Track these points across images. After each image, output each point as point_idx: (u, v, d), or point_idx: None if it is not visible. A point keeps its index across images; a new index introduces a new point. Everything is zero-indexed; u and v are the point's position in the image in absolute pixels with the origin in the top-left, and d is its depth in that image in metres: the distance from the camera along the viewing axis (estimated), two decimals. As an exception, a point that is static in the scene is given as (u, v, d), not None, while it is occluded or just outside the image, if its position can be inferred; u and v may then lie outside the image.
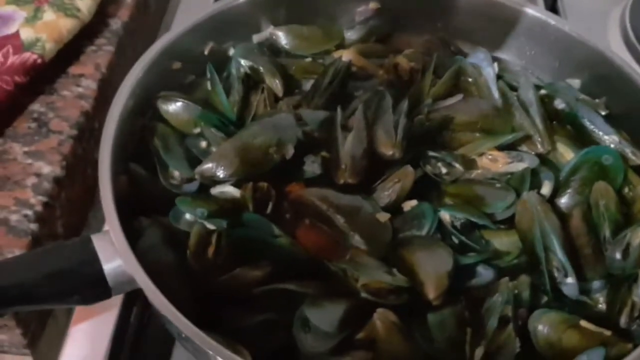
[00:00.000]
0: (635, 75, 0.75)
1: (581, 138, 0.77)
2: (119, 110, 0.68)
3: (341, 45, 0.87)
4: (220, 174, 0.67)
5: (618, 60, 0.77)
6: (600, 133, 0.76)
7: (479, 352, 0.57)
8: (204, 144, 0.72)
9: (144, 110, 0.73)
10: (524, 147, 0.76)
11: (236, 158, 0.67)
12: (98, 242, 0.59)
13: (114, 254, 0.58)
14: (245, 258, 0.62)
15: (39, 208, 0.71)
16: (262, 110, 0.77)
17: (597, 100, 0.79)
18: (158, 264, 0.60)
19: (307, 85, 0.81)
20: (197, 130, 0.73)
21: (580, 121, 0.77)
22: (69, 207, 0.78)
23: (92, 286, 0.59)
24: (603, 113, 0.78)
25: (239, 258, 0.62)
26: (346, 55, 0.83)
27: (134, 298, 0.73)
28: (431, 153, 0.72)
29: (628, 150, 0.74)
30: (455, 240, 0.66)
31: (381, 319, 0.58)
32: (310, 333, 0.58)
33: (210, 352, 0.53)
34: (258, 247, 0.63)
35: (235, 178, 0.67)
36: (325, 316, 0.58)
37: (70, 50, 0.86)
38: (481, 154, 0.74)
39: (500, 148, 0.74)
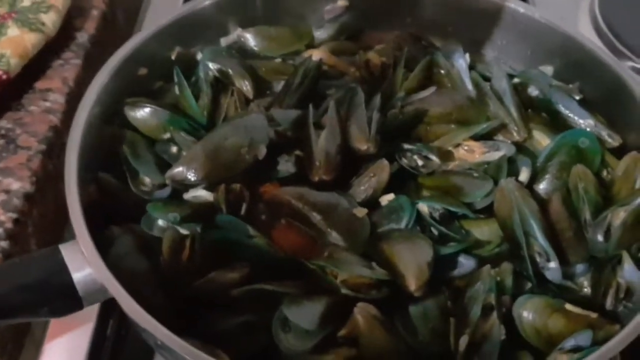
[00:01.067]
0: (607, 58, 0.75)
1: (557, 124, 0.77)
2: (84, 119, 0.67)
3: (311, 45, 0.86)
4: (192, 177, 0.65)
5: (589, 44, 0.77)
6: (576, 117, 0.75)
7: (464, 341, 0.56)
8: (174, 149, 0.71)
9: (111, 117, 0.72)
10: (500, 137, 0.76)
11: (207, 160, 0.66)
12: (67, 251, 0.58)
13: (83, 263, 0.57)
14: (221, 261, 0.61)
15: (9, 225, 0.70)
16: (233, 113, 0.76)
17: (570, 86, 0.79)
18: (131, 271, 0.60)
19: (278, 86, 0.80)
20: (167, 135, 0.72)
21: (555, 107, 0.77)
22: (41, 224, 0.76)
23: (62, 297, 0.57)
24: (577, 97, 0.77)
25: (214, 261, 0.61)
26: (316, 55, 0.82)
27: (110, 310, 0.72)
28: (406, 146, 0.71)
29: (604, 133, 0.74)
30: (435, 232, 0.66)
31: (362, 313, 0.57)
32: (291, 332, 0.57)
33: (188, 358, 0.52)
34: (234, 249, 0.62)
35: (208, 181, 0.66)
36: (304, 314, 0.57)
37: (37, 65, 0.85)
38: (457, 145, 0.73)
39: (476, 138, 0.74)
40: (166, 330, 0.52)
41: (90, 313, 0.70)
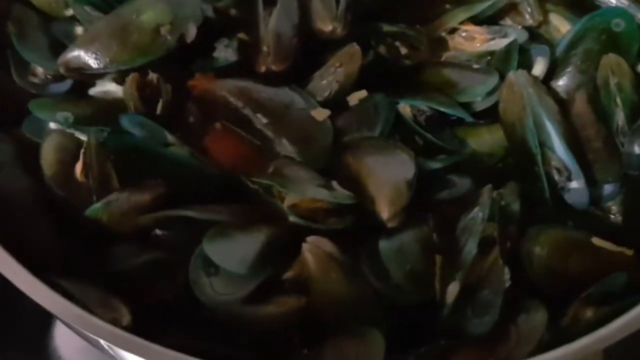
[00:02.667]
0: None
1: (580, 4, 0.65)
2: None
3: None
4: (92, 63, 0.55)
5: None
6: (606, -5, 0.66)
7: (453, 288, 0.46)
8: (78, 30, 0.61)
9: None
10: (507, 21, 0.65)
11: (113, 41, 0.55)
12: None
13: None
14: (128, 178, 0.52)
15: None
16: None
17: (599, -44, 0.69)
18: (5, 190, 0.51)
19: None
20: (70, 12, 0.62)
21: (581, -20, 0.67)
22: None
23: None
24: (609, -34, 0.67)
25: (120, 179, 0.52)
26: None
27: None
28: (386, 28, 0.61)
29: (642, 15, 0.64)
30: (420, 141, 0.57)
31: (312, 250, 0.48)
32: (217, 276, 0.47)
33: (60, 316, 0.42)
34: (146, 163, 0.52)
35: (115, 68, 0.56)
36: (234, 252, 0.47)
37: None
38: (453, 30, 0.64)
39: (478, 22, 0.64)
40: (27, 274, 0.42)
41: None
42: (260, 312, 0.47)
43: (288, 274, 0.49)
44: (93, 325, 0.40)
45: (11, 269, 0.42)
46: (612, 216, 0.56)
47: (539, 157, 0.53)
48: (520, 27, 0.64)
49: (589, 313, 0.46)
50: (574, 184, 0.53)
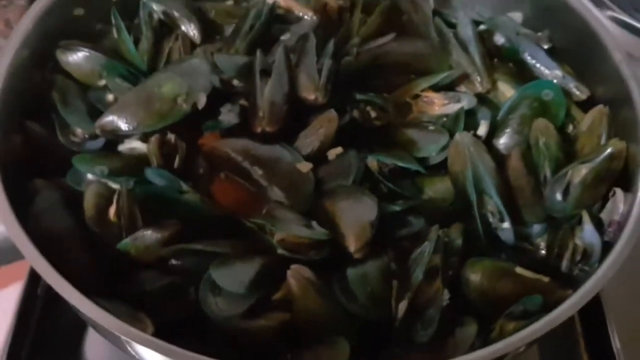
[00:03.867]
0: (579, 5, 0.70)
1: (523, 74, 0.73)
2: (7, 61, 0.62)
3: (267, -14, 0.80)
4: (123, 126, 0.62)
5: (560, -11, 0.72)
6: (543, 68, 0.72)
7: (402, 305, 0.53)
8: (110, 97, 0.67)
9: (42, 61, 0.67)
10: (462, 88, 0.72)
11: (140, 108, 0.62)
12: (-22, 206, 0.53)
13: (-5, 219, 0.53)
14: (152, 218, 0.58)
15: None
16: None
17: (539, 34, 0.74)
18: (52, 229, 0.57)
19: (229, 30, 0.75)
20: (103, 82, 0.68)
21: (521, 56, 0.73)
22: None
23: (-28, 254, 0.53)
24: (545, 47, 0.73)
25: (144, 219, 0.58)
26: (271, -4, 0.76)
27: None
28: (359, 96, 0.67)
29: (572, 85, 0.70)
30: (384, 189, 0.63)
31: (295, 276, 0.54)
32: (221, 296, 0.54)
33: (99, 323, 0.49)
34: (164, 206, 0.59)
35: (141, 130, 0.63)
36: (234, 277, 0.54)
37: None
38: (416, 96, 0.70)
39: (437, 89, 0.70)
40: (78, 293, 0.49)
41: (21, 271, 0.66)
42: (254, 325, 0.53)
43: (276, 295, 0.55)
44: (126, 331, 0.48)
45: (67, 291, 0.49)
46: (541, 251, 0.62)
47: (475, 202, 0.60)
48: (472, 93, 0.70)
49: (511, 326, 0.52)
50: (504, 225, 0.59)
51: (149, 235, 0.56)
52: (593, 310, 0.65)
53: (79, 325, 0.67)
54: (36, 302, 0.67)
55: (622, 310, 0.66)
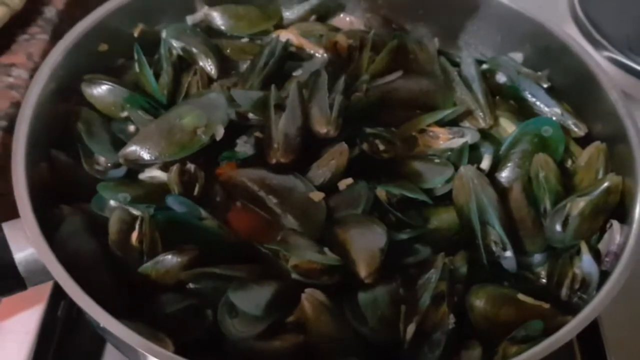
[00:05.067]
0: (576, 46, 0.74)
1: (524, 111, 0.76)
2: (36, 94, 0.65)
3: (280, 25, 0.84)
4: (145, 156, 0.64)
5: (558, 31, 0.76)
6: (542, 105, 0.75)
7: (410, 329, 0.55)
8: (131, 128, 0.70)
9: (68, 94, 0.70)
10: (466, 123, 0.75)
11: (161, 139, 0.65)
12: (9, 230, 0.57)
13: (25, 243, 0.56)
14: (172, 243, 0.60)
15: (-32, 202, 0.68)
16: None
17: (539, 73, 0.78)
18: (77, 252, 0.59)
19: (244, 66, 0.79)
20: (125, 114, 0.71)
21: (522, 94, 0.76)
22: (2, 203, 0.74)
23: (3, 276, 0.56)
24: (545, 85, 0.77)
25: (164, 244, 0.60)
26: (284, 35, 0.80)
27: (62, 291, 0.68)
28: (368, 130, 0.69)
29: (570, 122, 0.73)
30: (392, 218, 0.65)
31: (309, 299, 0.56)
32: (238, 318, 0.56)
33: (127, 342, 0.51)
34: (184, 232, 0.61)
35: (162, 160, 0.65)
36: (251, 299, 0.56)
37: (1, 40, 0.83)
38: (422, 131, 0.72)
39: (442, 124, 0.73)
40: (107, 314, 0.51)
41: (42, 293, 0.69)
42: (269, 346, 0.55)
43: (290, 318, 0.57)
44: (152, 349, 0.50)
45: (93, 309, 0.52)
46: (542, 279, 0.64)
47: (479, 232, 0.62)
48: (475, 128, 0.73)
49: (513, 350, 0.55)
50: (507, 254, 0.62)
51: (169, 259, 0.58)
52: (591, 335, 0.68)
53: (96, 345, 0.69)
54: (56, 323, 0.69)
55: (619, 335, 0.69)
